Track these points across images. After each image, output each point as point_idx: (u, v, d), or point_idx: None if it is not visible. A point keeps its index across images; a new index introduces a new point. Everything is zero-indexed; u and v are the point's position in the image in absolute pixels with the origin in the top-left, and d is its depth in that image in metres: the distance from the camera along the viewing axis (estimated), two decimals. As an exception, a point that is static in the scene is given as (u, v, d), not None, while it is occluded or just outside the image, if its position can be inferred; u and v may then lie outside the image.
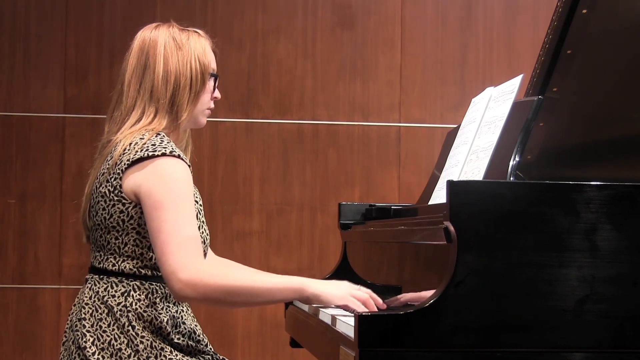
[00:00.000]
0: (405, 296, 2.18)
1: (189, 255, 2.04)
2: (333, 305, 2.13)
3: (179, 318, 2.18)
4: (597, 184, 1.80)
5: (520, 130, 2.14)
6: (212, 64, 2.28)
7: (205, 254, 2.25)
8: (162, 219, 2.06)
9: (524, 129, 2.14)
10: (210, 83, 2.27)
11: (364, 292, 2.13)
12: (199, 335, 2.23)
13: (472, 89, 4.37)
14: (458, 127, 2.61)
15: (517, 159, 2.10)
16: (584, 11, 2.33)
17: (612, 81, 2.28)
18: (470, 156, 2.35)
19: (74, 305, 2.22)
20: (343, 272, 2.86)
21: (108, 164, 2.16)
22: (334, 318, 2.05)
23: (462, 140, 2.49)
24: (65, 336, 2.20)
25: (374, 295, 2.14)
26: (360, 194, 4.56)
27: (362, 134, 4.58)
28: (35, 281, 4.44)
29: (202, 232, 2.21)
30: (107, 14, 4.51)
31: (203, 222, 2.25)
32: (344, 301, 2.09)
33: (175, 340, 2.16)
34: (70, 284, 4.42)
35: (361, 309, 2.07)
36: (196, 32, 2.28)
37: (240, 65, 4.55)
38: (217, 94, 2.30)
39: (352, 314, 1.91)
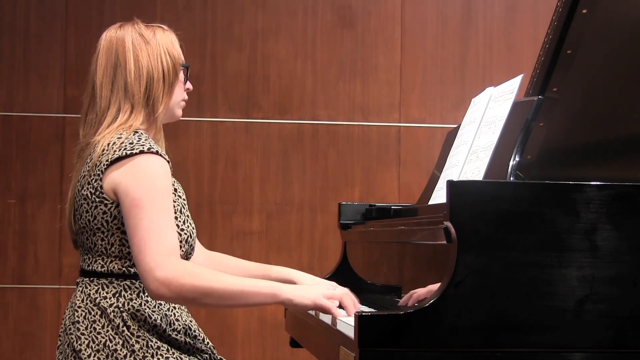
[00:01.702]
0: (419, 292, 2.16)
1: (166, 253, 2.02)
2: (307, 310, 2.08)
3: (171, 315, 2.18)
4: (597, 184, 1.80)
5: (520, 130, 2.14)
6: (182, 56, 2.29)
7: (193, 247, 2.24)
8: (139, 216, 2.04)
9: (524, 129, 2.14)
10: (182, 74, 2.29)
11: (340, 291, 2.09)
12: (194, 331, 2.23)
13: (472, 89, 4.37)
14: (458, 127, 2.61)
15: (517, 159, 2.10)
16: (584, 11, 2.33)
17: (612, 81, 2.28)
18: (470, 156, 2.35)
19: (67, 308, 2.21)
20: (343, 272, 2.86)
21: (88, 166, 2.16)
22: (334, 318, 2.05)
23: (462, 140, 2.49)
24: (60, 340, 2.20)
25: (351, 294, 2.11)
26: (360, 194, 4.55)
27: (362, 134, 4.58)
28: (35, 281, 4.44)
29: (188, 227, 2.20)
30: (107, 14, 4.51)
31: (188, 216, 2.23)
32: (316, 304, 2.04)
33: (173, 336, 2.16)
34: (70, 284, 4.42)
35: (335, 310, 2.03)
36: (160, 27, 2.29)
37: (240, 65, 4.55)
38: (189, 85, 2.32)
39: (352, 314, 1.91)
